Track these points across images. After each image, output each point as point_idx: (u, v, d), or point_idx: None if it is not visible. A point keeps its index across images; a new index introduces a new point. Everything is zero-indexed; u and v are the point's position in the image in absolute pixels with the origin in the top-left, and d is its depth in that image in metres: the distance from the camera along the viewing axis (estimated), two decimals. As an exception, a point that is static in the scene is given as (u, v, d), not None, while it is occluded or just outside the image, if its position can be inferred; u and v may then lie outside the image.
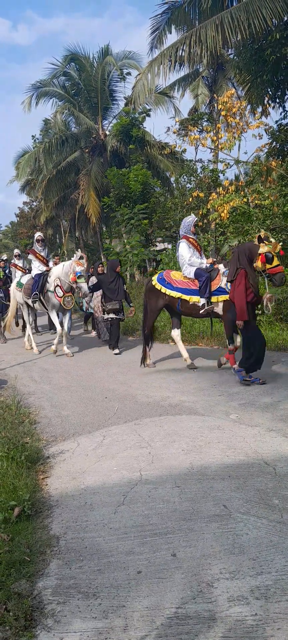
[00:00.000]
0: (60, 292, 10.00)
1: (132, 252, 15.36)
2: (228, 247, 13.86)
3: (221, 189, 14.17)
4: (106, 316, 10.14)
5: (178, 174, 18.56)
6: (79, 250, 10.27)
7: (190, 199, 15.88)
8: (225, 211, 12.97)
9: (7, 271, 17.02)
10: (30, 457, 4.29)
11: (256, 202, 13.01)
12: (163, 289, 8.05)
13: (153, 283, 8.25)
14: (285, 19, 10.08)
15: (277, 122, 12.97)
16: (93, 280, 11.45)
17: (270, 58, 10.42)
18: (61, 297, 9.98)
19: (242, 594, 2.52)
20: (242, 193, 13.85)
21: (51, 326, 13.25)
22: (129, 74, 23.08)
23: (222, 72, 21.70)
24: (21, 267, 13.70)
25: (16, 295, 11.34)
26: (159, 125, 71.65)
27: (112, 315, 9.98)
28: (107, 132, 23.47)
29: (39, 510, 3.55)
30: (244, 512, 3.34)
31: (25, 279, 11.13)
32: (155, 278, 8.36)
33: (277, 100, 12.26)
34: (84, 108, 23.50)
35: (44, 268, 10.54)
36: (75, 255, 10.07)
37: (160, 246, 19.81)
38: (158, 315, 8.75)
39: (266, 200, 12.37)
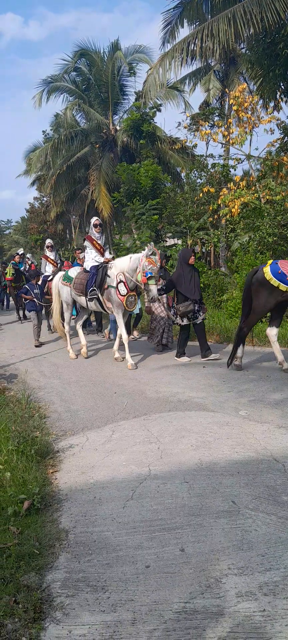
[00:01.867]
0: (123, 290, 8.17)
1: (143, 247, 15.34)
2: (239, 244, 13.81)
3: (232, 184, 14.08)
4: (179, 321, 8.23)
5: (188, 169, 18.48)
6: (151, 243, 8.35)
7: (201, 195, 15.80)
8: (236, 207, 12.89)
9: (22, 268, 16.06)
10: (39, 451, 4.32)
11: (267, 197, 12.91)
12: (283, 286, 6.77)
13: (268, 278, 6.89)
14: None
15: (288, 116, 12.86)
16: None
17: (283, 52, 10.33)
18: (124, 295, 8.16)
19: (250, 590, 2.52)
20: (253, 189, 13.76)
21: (99, 326, 11.89)
22: (134, 73, 23.02)
23: (233, 66, 21.53)
24: (52, 260, 12.32)
25: (63, 291, 9.38)
26: (170, 120, 71.52)
27: (185, 321, 8.19)
28: (118, 127, 23.44)
29: (48, 504, 3.57)
30: (253, 508, 3.33)
31: (73, 272, 9.34)
32: (268, 271, 6.94)
33: (289, 95, 12.15)
34: (95, 103, 23.50)
35: (102, 259, 8.78)
36: (146, 248, 8.12)
37: (170, 242, 19.76)
38: (266, 314, 7.70)
39: (277, 196, 12.27)
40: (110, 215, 22.33)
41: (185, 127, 16.91)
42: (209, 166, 16.79)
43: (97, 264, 8.76)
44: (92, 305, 8.90)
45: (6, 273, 15.50)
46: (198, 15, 12.61)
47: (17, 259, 16.48)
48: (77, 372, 8.06)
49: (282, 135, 13.22)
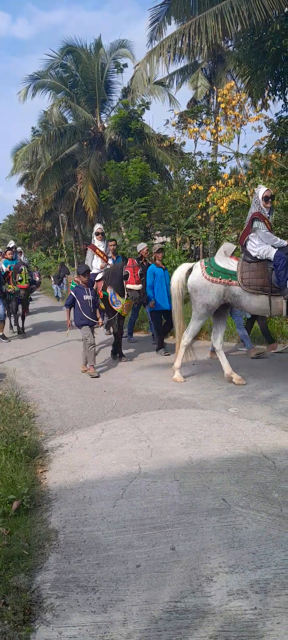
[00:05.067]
0: None
1: (131, 245, 15.30)
2: (227, 241, 13.87)
3: (220, 182, 14.12)
4: None
5: (177, 167, 18.49)
6: None
7: (189, 192, 15.82)
8: (225, 204, 12.92)
9: (13, 265, 12.06)
10: (29, 451, 4.27)
11: (255, 195, 12.95)
12: None
13: None
14: (286, 10, 9.98)
15: (277, 114, 12.91)
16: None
17: (271, 50, 10.34)
18: None
19: (241, 588, 2.52)
20: (240, 185, 13.80)
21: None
22: (125, 65, 23.09)
23: (221, 64, 21.61)
24: (102, 253, 9.21)
25: (206, 290, 6.55)
26: (157, 117, 71.52)
27: None
28: (105, 125, 23.38)
29: (37, 504, 3.54)
30: (243, 505, 3.33)
31: (225, 262, 6.64)
32: None
33: (277, 93, 12.18)
34: (82, 100, 23.41)
35: (284, 242, 6.48)
36: None
37: (159, 239, 19.77)
38: None
39: (265, 193, 12.31)
40: (96, 213, 22.30)
41: (173, 125, 16.92)
42: (198, 164, 16.82)
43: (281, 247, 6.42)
44: (265, 308, 6.51)
45: (21, 280, 11.22)
46: (185, 12, 12.58)
47: (8, 254, 12.70)
48: (66, 371, 8.01)
49: (270, 133, 13.25)
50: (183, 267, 7.11)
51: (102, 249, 9.28)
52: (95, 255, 9.23)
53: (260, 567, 2.68)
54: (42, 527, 3.22)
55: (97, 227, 9.79)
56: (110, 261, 9.27)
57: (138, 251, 9.68)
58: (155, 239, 18.89)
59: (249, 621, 2.29)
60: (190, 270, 6.93)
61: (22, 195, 38.49)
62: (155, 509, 3.37)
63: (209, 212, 14.31)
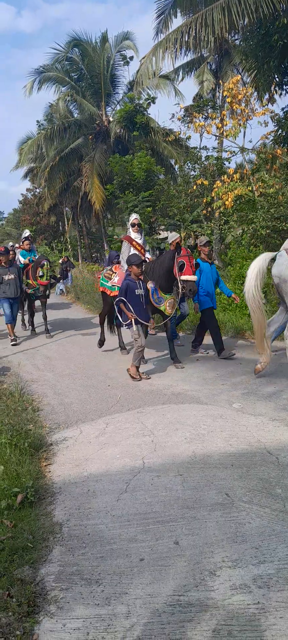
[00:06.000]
0: None
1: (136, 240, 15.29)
2: (232, 237, 13.82)
3: (226, 176, 14.06)
4: None
5: (182, 161, 18.43)
6: None
7: (194, 187, 15.76)
8: (230, 199, 12.87)
9: (32, 257, 11.36)
10: (33, 444, 4.30)
11: (261, 190, 12.90)
12: None
13: None
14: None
15: (283, 109, 12.83)
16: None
17: (278, 44, 10.28)
18: None
19: (244, 583, 2.53)
20: (245, 179, 13.73)
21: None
22: (131, 58, 23.03)
23: (227, 58, 21.45)
24: (139, 245, 8.21)
25: None
26: (163, 111, 71.21)
27: None
28: (111, 119, 23.33)
29: (42, 497, 3.56)
30: (247, 501, 3.34)
31: None
32: None
33: (284, 87, 12.11)
34: (87, 94, 23.37)
35: None
36: None
37: (163, 234, 19.73)
38: None
39: (271, 188, 12.27)
40: (102, 207, 22.25)
41: (178, 119, 16.84)
42: (203, 158, 16.75)
43: None
44: None
45: (42, 276, 10.36)
46: (192, 5, 12.53)
47: (26, 245, 11.64)
48: (70, 365, 8.03)
49: (276, 128, 13.17)
50: (266, 256, 6.34)
51: (139, 241, 8.29)
52: (131, 249, 8.17)
53: (263, 562, 2.69)
54: (46, 520, 3.24)
55: (133, 217, 8.71)
56: (147, 255, 8.45)
57: (170, 242, 8.50)
58: (159, 234, 18.86)
59: (252, 615, 2.30)
60: (272, 260, 6.28)
61: (27, 189, 38.48)
62: (158, 503, 3.39)
63: (214, 207, 14.24)
